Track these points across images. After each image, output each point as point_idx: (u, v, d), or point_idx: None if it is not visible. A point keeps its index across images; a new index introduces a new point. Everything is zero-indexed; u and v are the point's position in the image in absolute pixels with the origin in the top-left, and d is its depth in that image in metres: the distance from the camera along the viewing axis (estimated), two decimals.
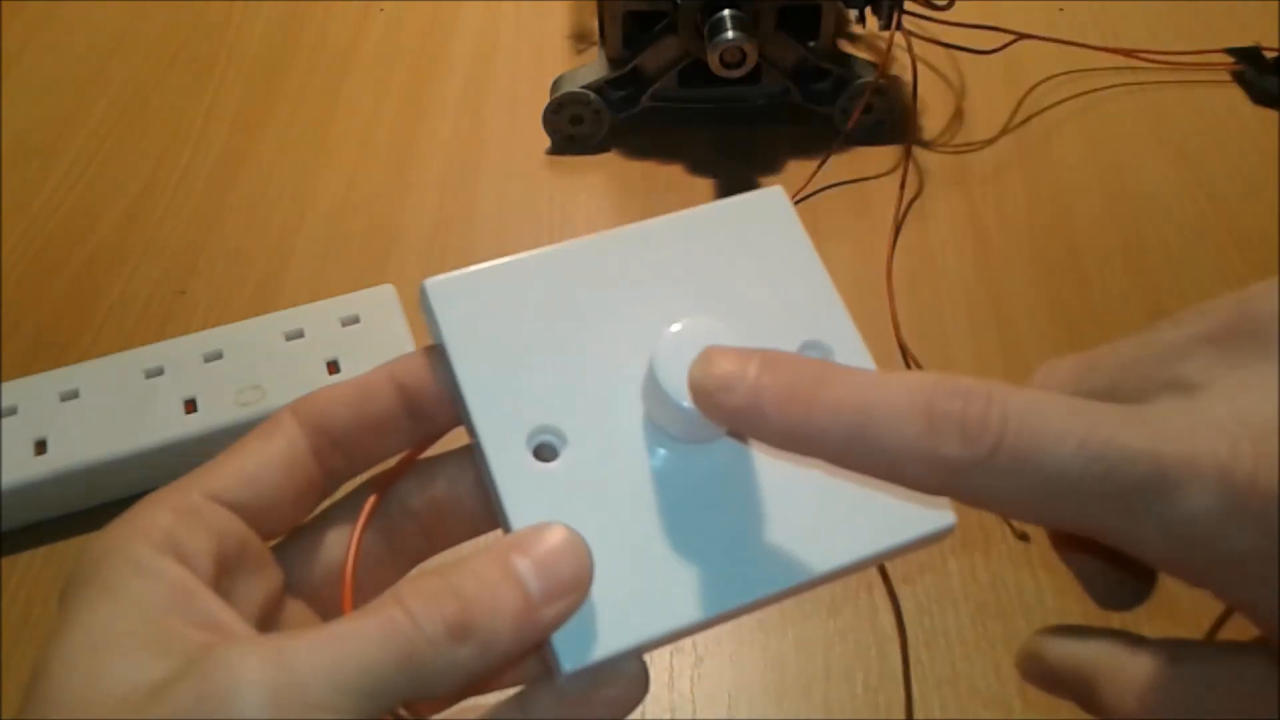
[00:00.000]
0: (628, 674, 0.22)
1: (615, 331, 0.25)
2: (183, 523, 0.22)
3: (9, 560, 0.43)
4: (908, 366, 0.48)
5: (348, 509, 0.25)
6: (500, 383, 0.24)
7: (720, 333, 0.23)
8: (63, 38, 0.67)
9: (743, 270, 0.26)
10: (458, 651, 0.20)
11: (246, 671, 0.19)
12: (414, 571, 0.27)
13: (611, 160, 0.59)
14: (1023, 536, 0.43)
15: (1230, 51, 0.62)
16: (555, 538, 0.22)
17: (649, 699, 0.39)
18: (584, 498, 0.23)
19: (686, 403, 0.23)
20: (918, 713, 0.38)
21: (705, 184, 0.57)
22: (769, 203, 0.28)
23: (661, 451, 0.24)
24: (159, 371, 0.44)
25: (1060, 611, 0.41)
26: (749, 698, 0.39)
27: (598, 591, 0.22)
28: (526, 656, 0.22)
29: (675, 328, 0.23)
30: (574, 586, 0.21)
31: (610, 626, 0.22)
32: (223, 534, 0.22)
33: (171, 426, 0.43)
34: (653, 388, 0.23)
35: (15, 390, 0.44)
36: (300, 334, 0.46)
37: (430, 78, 0.64)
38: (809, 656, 0.40)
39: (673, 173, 0.58)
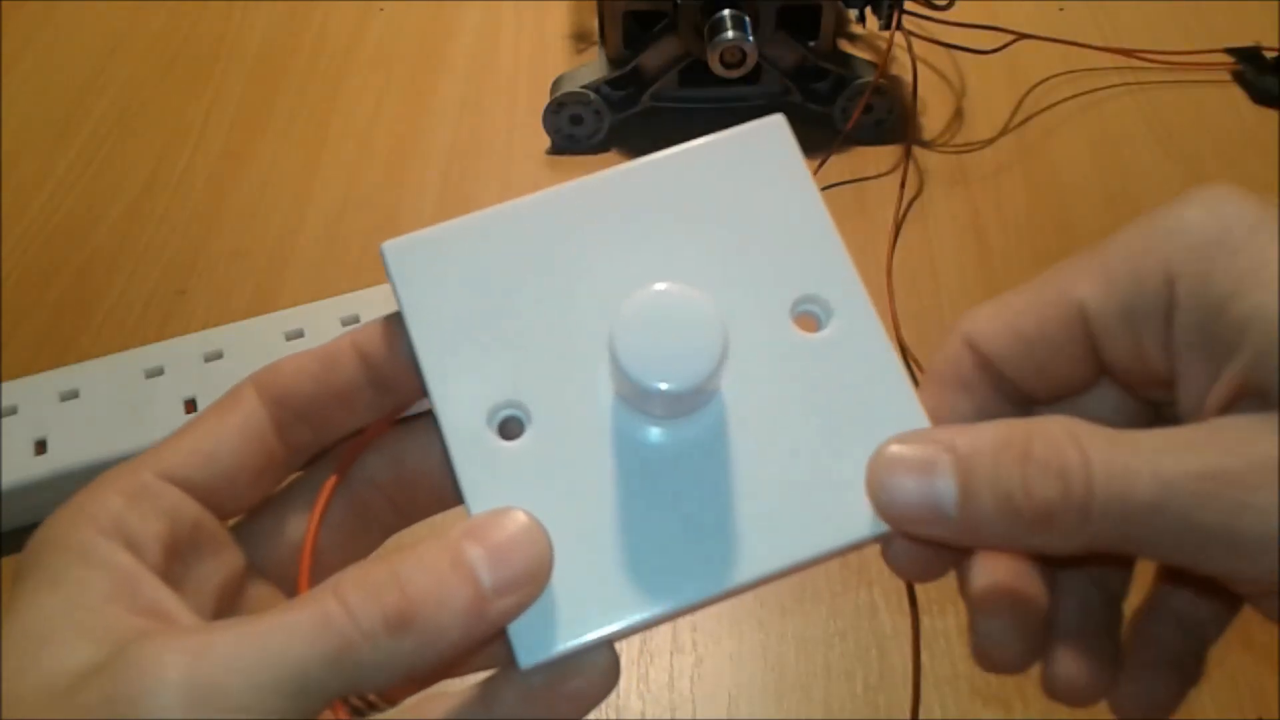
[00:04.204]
0: (596, 666, 0.21)
1: (588, 294, 0.23)
2: (132, 506, 0.21)
3: (9, 560, 0.43)
4: (908, 366, 0.48)
5: (315, 483, 0.24)
6: (461, 353, 0.23)
7: (688, 296, 0.21)
8: (63, 38, 0.67)
9: (734, 216, 0.24)
10: (396, 645, 0.19)
11: (164, 669, 0.18)
12: (384, 546, 0.26)
13: (611, 160, 0.59)
14: None
15: (1230, 51, 0.62)
16: (512, 525, 0.20)
17: (649, 697, 0.39)
18: (547, 479, 0.22)
19: (663, 384, 0.21)
20: (918, 712, 0.38)
21: None
22: (767, 134, 0.24)
23: (633, 429, 0.22)
24: (159, 371, 0.44)
25: None
26: (749, 697, 0.39)
27: (559, 580, 0.21)
28: (494, 642, 0.21)
29: (634, 297, 0.21)
30: (529, 578, 0.20)
31: (571, 618, 0.21)
32: (175, 516, 0.22)
33: (171, 426, 0.42)
34: (614, 366, 0.21)
35: (15, 390, 0.44)
36: (300, 334, 0.46)
37: (430, 78, 0.64)
38: (809, 656, 0.40)
39: None
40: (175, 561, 0.22)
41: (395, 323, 0.23)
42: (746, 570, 0.22)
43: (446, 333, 0.23)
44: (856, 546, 0.22)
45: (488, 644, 0.21)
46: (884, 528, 0.22)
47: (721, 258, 0.24)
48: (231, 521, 0.24)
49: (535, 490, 0.22)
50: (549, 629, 0.21)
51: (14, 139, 0.60)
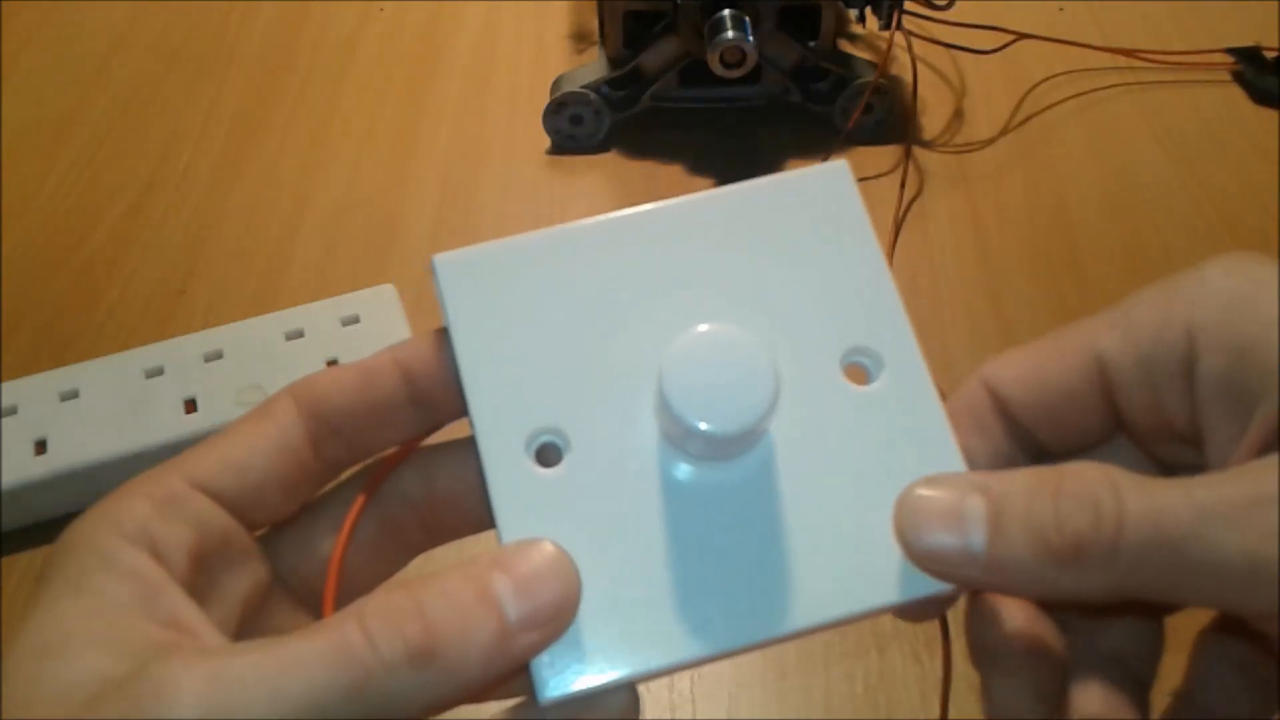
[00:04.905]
0: (617, 705, 0.21)
1: (638, 326, 0.23)
2: (160, 513, 0.21)
3: (9, 560, 0.43)
4: None
5: (346, 496, 0.24)
6: (505, 374, 0.22)
7: (741, 339, 0.21)
8: (63, 37, 0.67)
9: (790, 259, 0.24)
10: (417, 679, 0.19)
11: (180, 694, 0.18)
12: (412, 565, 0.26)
13: (611, 160, 0.59)
14: None
15: (1230, 51, 0.62)
16: (540, 557, 0.20)
17: (648, 698, 0.39)
18: (581, 510, 0.21)
19: (703, 424, 0.21)
20: (917, 712, 0.38)
21: (706, 184, 0.57)
22: (828, 181, 0.24)
23: (673, 467, 0.22)
24: (159, 371, 0.45)
25: None
26: (749, 697, 0.39)
27: (588, 615, 0.21)
28: (519, 674, 0.21)
29: (687, 335, 0.21)
30: (555, 614, 0.20)
31: (597, 655, 0.20)
32: (203, 526, 0.21)
33: (171, 426, 0.43)
34: (661, 403, 0.21)
35: (15, 390, 0.44)
36: (300, 334, 0.46)
37: (430, 78, 0.64)
38: (809, 656, 0.40)
39: (673, 173, 0.58)
40: (201, 572, 0.21)
41: (440, 339, 0.23)
42: (781, 624, 0.21)
43: (492, 352, 0.22)
44: (894, 609, 0.22)
45: (512, 676, 0.21)
46: (921, 590, 0.21)
47: (775, 301, 0.23)
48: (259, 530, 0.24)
49: (568, 520, 0.21)
50: (574, 665, 0.20)
51: (14, 139, 0.60)
